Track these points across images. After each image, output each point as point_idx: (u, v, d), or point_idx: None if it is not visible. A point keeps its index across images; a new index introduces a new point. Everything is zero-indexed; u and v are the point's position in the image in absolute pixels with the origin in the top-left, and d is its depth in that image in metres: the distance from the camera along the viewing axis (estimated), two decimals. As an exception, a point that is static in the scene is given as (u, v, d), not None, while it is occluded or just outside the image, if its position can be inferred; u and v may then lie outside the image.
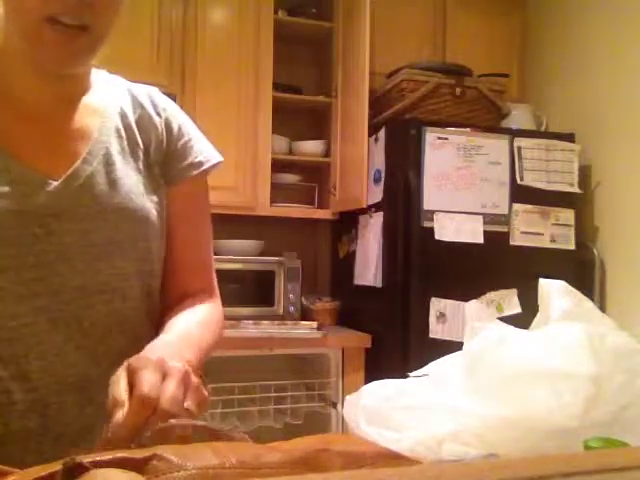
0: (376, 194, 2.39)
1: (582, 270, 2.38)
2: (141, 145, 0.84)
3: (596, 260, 2.43)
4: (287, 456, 0.48)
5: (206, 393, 0.61)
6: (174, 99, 0.96)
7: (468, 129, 2.31)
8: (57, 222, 0.74)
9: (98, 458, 0.43)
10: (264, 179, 2.54)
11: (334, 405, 2.29)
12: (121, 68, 0.91)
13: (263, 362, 2.33)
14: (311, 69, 2.90)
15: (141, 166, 0.84)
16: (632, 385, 0.62)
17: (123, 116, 0.84)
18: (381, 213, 2.35)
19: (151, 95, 0.89)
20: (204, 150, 0.91)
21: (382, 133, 2.39)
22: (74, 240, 0.75)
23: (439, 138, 2.26)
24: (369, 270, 2.41)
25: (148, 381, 0.55)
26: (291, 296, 2.51)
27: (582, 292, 0.78)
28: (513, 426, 0.59)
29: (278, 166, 2.63)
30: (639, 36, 2.33)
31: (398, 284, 2.22)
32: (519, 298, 2.25)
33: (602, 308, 2.41)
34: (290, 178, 2.76)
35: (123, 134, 0.83)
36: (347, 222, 2.66)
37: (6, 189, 0.71)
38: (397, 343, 2.20)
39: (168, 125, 0.88)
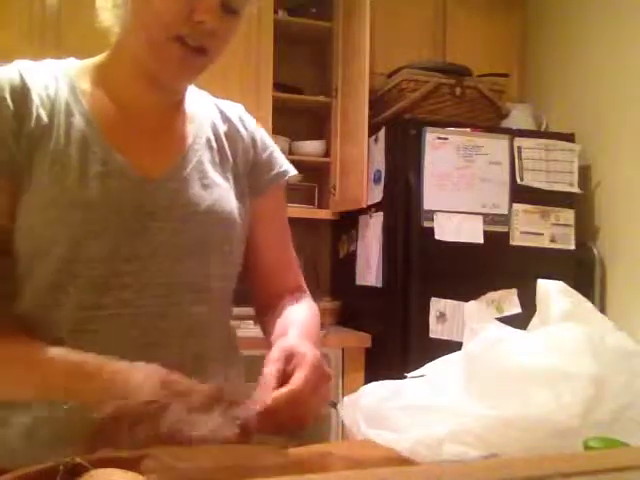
0: (376, 194, 2.38)
1: (582, 270, 2.38)
2: (229, 156, 0.90)
3: (596, 260, 2.42)
4: (282, 458, 0.48)
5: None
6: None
7: (468, 129, 2.31)
8: (152, 220, 0.78)
9: (92, 457, 0.43)
10: (264, 179, 2.54)
11: (334, 405, 2.28)
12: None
13: (263, 362, 2.32)
14: (311, 69, 2.90)
15: (229, 175, 0.89)
16: (632, 385, 0.62)
17: (214, 128, 0.90)
18: (381, 213, 2.35)
19: (238, 111, 0.96)
20: (284, 161, 0.99)
21: (382, 133, 2.38)
22: (166, 238, 0.79)
23: (439, 138, 2.26)
24: (369, 270, 2.41)
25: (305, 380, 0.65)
26: (291, 296, 2.51)
27: (582, 292, 0.78)
28: (513, 426, 0.59)
29: (278, 166, 2.62)
30: (639, 36, 2.33)
31: (398, 284, 2.22)
32: (519, 298, 2.25)
33: (602, 308, 2.41)
34: (290, 178, 2.75)
35: (214, 145, 0.88)
36: (347, 222, 2.66)
37: (110, 184, 0.76)
38: (397, 343, 2.20)
39: (254, 139, 0.94)
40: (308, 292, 1.01)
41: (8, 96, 0.75)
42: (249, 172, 0.93)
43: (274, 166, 0.96)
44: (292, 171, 0.99)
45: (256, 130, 0.96)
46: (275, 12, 2.57)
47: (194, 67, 0.79)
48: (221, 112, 0.93)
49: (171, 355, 0.78)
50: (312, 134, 2.80)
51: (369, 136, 2.41)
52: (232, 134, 0.92)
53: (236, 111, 0.96)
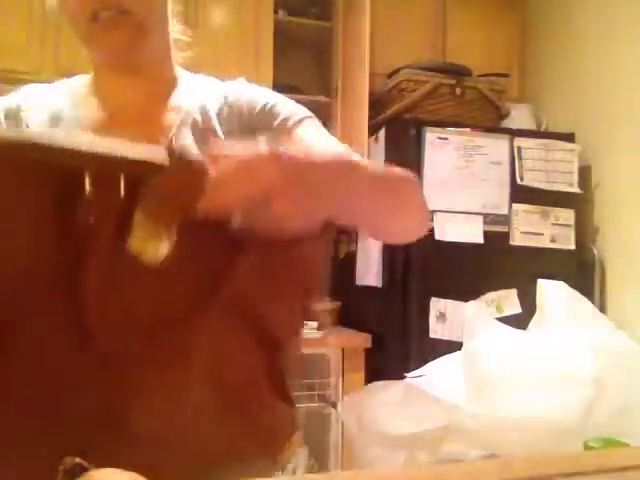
0: (376, 194, 2.38)
1: (582, 270, 2.38)
2: (221, 134, 0.86)
3: (596, 260, 2.42)
4: None
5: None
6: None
7: (468, 129, 2.31)
8: None
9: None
10: (264, 179, 2.54)
11: (334, 405, 2.29)
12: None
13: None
14: (311, 69, 2.90)
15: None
16: (632, 385, 0.62)
17: (203, 112, 0.86)
18: (381, 213, 2.35)
19: (233, 85, 0.91)
20: (288, 107, 0.93)
21: (382, 133, 2.38)
22: None
23: (439, 138, 2.26)
24: (370, 270, 2.41)
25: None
26: (291, 296, 2.51)
27: (582, 292, 0.78)
28: (513, 426, 0.59)
29: (278, 166, 2.62)
30: (639, 36, 2.33)
31: (398, 284, 2.22)
32: (519, 298, 2.24)
33: (602, 308, 2.41)
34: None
35: (201, 126, 0.85)
36: (347, 222, 2.65)
37: None
38: (397, 343, 2.19)
39: (249, 103, 0.88)
40: None
41: (2, 118, 0.82)
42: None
43: (273, 121, 0.88)
44: (299, 113, 0.91)
45: (252, 101, 0.89)
46: (275, 12, 2.57)
47: (121, 34, 0.77)
48: (218, 93, 0.90)
49: None
50: (312, 134, 2.79)
51: (369, 136, 2.41)
52: (223, 113, 0.87)
53: (231, 87, 0.91)
